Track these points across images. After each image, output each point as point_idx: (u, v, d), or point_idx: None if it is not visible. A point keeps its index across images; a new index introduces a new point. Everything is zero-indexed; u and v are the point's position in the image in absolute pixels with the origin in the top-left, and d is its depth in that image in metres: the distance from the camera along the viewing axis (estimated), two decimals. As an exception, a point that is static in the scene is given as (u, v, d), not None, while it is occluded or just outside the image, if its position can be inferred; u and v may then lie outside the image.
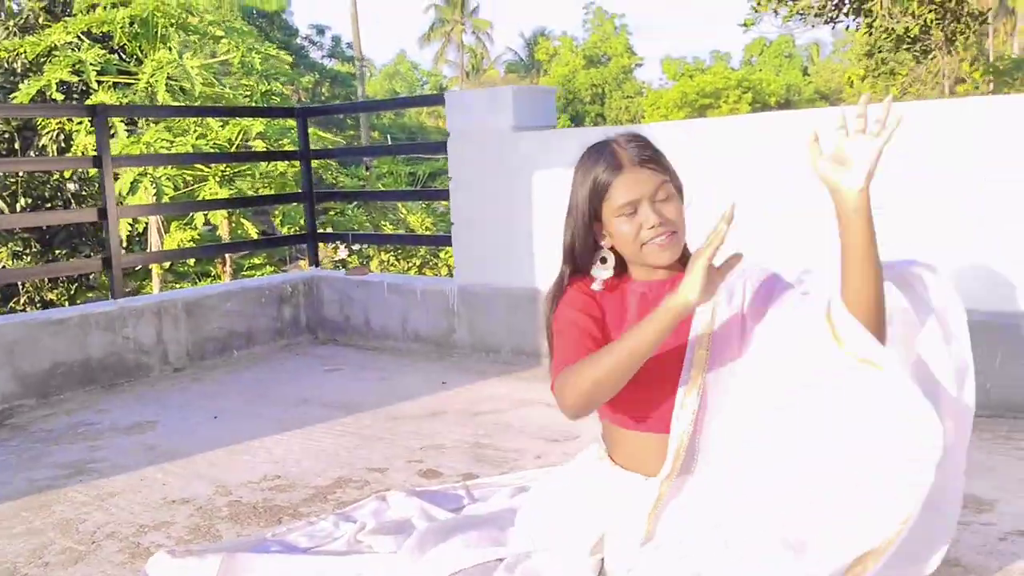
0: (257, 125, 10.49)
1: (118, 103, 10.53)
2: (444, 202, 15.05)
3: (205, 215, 10.41)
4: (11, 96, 11.25)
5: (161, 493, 2.95)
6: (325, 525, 2.58)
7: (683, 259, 1.85)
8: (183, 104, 10.04)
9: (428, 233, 12.43)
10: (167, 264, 10.93)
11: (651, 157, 1.81)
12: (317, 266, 5.67)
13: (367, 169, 14.50)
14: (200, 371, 4.71)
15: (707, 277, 1.56)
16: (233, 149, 10.78)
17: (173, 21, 11.56)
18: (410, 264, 13.24)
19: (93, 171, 10.33)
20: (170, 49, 11.53)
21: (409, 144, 22.42)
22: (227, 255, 11.87)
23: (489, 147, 4.56)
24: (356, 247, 13.49)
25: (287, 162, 10.61)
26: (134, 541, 2.56)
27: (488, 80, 48.37)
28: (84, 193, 11.84)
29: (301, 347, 5.23)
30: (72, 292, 11.91)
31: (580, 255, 1.91)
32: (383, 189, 12.11)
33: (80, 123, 10.69)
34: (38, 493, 3.00)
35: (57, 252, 11.70)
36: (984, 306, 3.32)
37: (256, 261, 14.27)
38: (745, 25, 12.25)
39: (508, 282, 4.58)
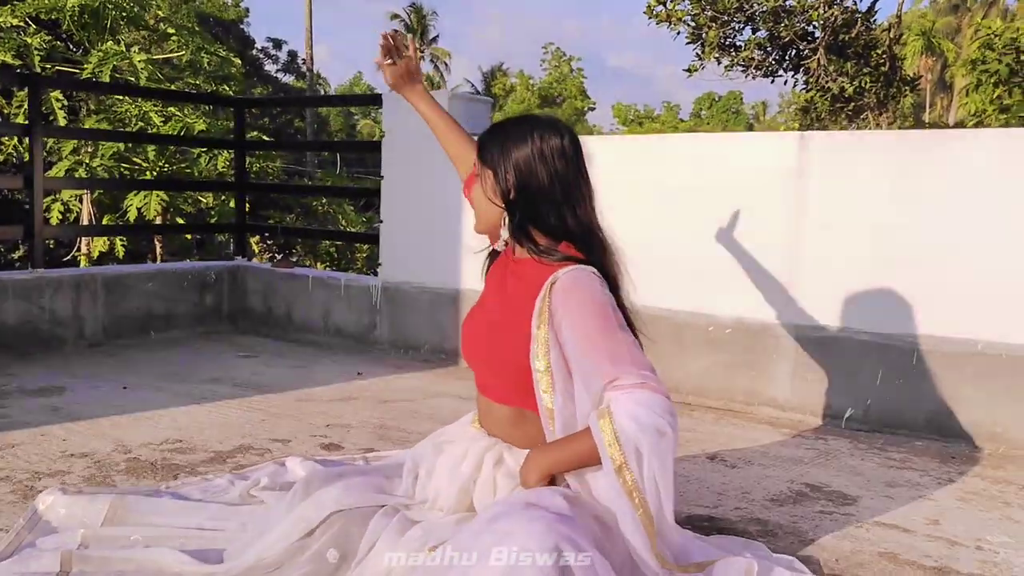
0: (200, 124, 10.45)
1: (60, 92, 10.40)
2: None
3: (139, 210, 10.29)
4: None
5: (60, 447, 2.96)
6: (220, 482, 2.63)
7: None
8: (125, 85, 9.90)
9: (362, 238, 12.38)
10: (95, 255, 10.75)
11: (480, 143, 1.95)
12: (244, 257, 5.70)
13: (309, 180, 14.46)
14: (115, 348, 4.69)
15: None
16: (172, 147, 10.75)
17: (124, 14, 11.50)
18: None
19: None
20: (118, 42, 11.46)
21: (346, 142, 22.21)
22: (159, 254, 11.74)
23: (422, 149, 4.68)
24: (294, 259, 13.47)
25: (227, 166, 10.58)
26: (27, 484, 2.58)
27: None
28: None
29: (220, 335, 5.25)
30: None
31: None
32: (318, 184, 12.06)
33: (20, 106, 10.54)
34: (-66, 440, 2.99)
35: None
36: (867, 327, 3.53)
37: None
38: (689, 71, 12.66)
39: (432, 281, 4.69)
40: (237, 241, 5.71)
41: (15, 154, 10.43)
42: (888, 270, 3.49)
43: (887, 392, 3.49)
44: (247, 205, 11.93)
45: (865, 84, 13.42)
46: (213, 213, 11.09)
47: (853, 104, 13.90)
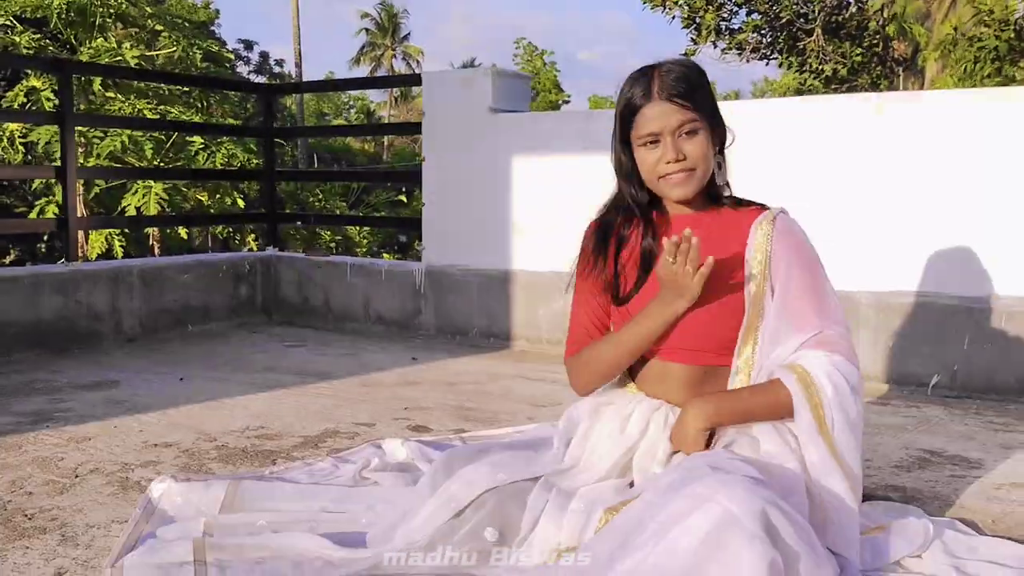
0: (195, 119, 10.28)
1: (51, 89, 10.17)
2: (379, 211, 14.93)
3: (137, 208, 10.07)
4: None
5: (140, 438, 2.82)
6: (323, 465, 2.51)
7: (709, 197, 1.86)
8: (154, 71, 9.76)
9: (391, 219, 12.03)
10: (92, 256, 10.50)
11: (683, 92, 1.75)
12: (275, 246, 5.54)
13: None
14: (154, 342, 4.54)
15: (694, 286, 1.70)
16: (168, 144, 10.57)
17: (112, 11, 11.28)
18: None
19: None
20: (107, 39, 11.24)
21: (377, 125, 21.66)
22: (157, 254, 11.53)
23: (465, 128, 4.56)
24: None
25: (227, 161, 10.38)
26: (121, 476, 2.44)
27: (416, 107, 48.35)
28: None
29: (257, 326, 5.10)
30: None
31: (619, 173, 1.90)
32: (347, 169, 11.82)
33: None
34: (4, 436, 2.83)
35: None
36: (952, 289, 3.46)
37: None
38: (686, 55, 12.58)
39: (480, 263, 4.56)
40: (269, 231, 5.55)
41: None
42: (971, 230, 3.42)
43: (975, 356, 3.42)
44: (242, 201, 11.87)
45: (858, 65, 13.44)
46: (213, 210, 10.89)
47: (847, 86, 13.92)
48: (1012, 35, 10.85)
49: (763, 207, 1.87)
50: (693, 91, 1.76)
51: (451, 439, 2.81)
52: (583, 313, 1.97)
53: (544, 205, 4.37)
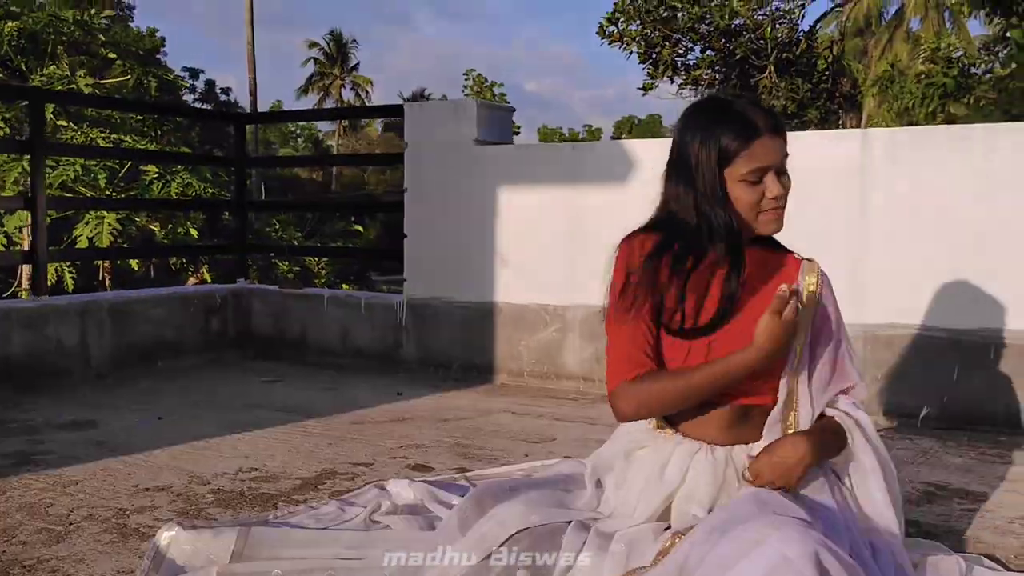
0: (150, 147, 10.10)
1: (1, 118, 9.91)
2: (335, 242, 14.77)
3: (90, 239, 9.82)
4: None
5: (130, 482, 2.70)
6: (329, 510, 2.43)
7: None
8: (123, 99, 9.58)
9: (369, 250, 11.84)
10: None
11: (782, 126, 1.74)
12: (245, 278, 5.42)
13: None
14: (124, 379, 4.38)
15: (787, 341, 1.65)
16: (122, 173, 10.35)
17: (65, 38, 11.06)
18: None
19: None
20: (58, 66, 11.00)
21: (359, 155, 21.26)
22: (108, 286, 11.24)
23: (450, 160, 4.52)
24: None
25: (181, 190, 10.19)
26: (118, 522, 2.33)
27: (366, 136, 48.27)
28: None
29: (230, 361, 4.96)
30: None
31: (709, 200, 1.79)
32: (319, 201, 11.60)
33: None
34: (-16, 480, 2.69)
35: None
36: (941, 323, 3.50)
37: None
38: (644, 89, 12.79)
39: (463, 296, 4.51)
40: (238, 262, 5.43)
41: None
42: (960, 264, 3.47)
43: (964, 388, 3.46)
44: (195, 231, 11.66)
45: (807, 100, 13.76)
46: (167, 240, 10.66)
47: (796, 121, 14.24)
48: (957, 72, 11.22)
49: (787, 250, 1.91)
50: (784, 126, 1.77)
51: (456, 479, 2.74)
52: (634, 336, 1.79)
53: (529, 237, 4.35)
